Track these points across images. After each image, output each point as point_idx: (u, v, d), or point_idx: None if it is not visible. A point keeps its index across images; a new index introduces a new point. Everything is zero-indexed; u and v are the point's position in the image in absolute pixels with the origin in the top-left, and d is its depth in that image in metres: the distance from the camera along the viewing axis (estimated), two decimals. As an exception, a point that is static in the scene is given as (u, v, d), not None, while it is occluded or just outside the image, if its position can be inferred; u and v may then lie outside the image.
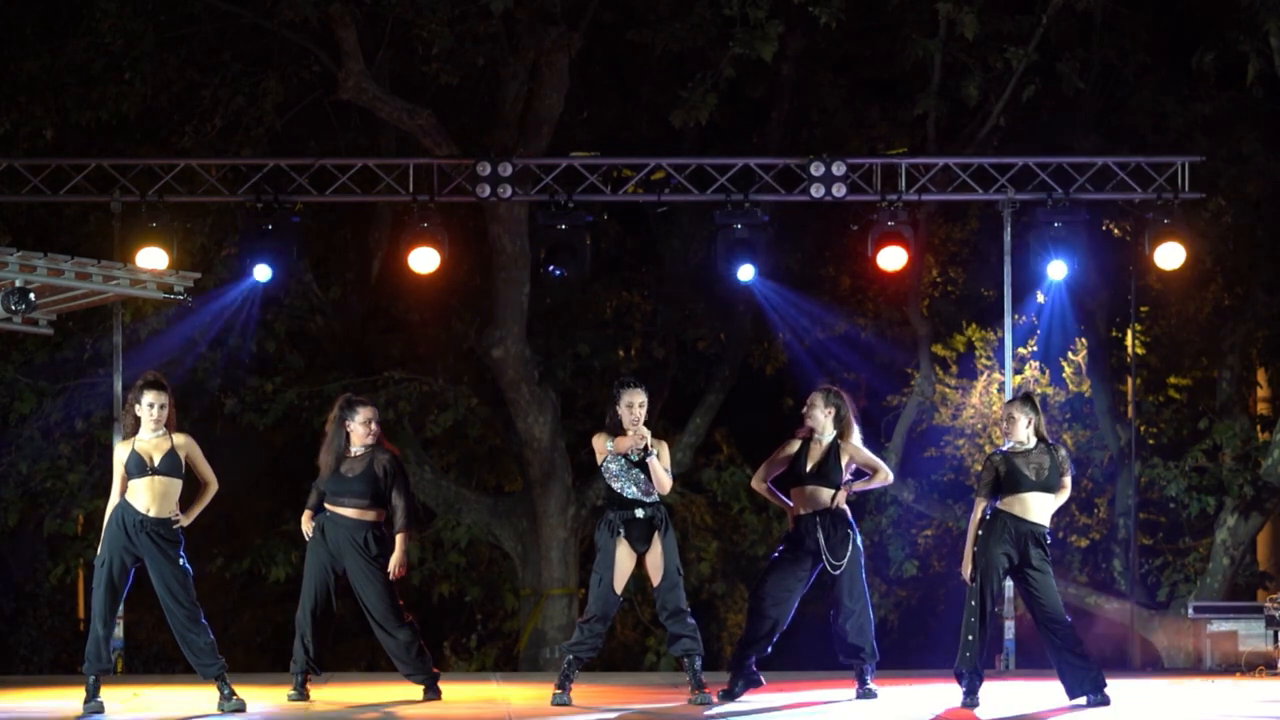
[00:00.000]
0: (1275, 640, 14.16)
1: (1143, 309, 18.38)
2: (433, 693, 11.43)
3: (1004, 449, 10.96)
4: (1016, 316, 16.70)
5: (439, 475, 18.58)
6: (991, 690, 11.37)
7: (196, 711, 10.90)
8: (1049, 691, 11.37)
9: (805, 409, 11.39)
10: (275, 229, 15.14)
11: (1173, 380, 19.68)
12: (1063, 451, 10.98)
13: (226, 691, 10.69)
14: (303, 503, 11.50)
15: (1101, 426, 18.78)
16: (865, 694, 11.44)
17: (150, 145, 17.06)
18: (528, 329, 17.80)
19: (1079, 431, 19.20)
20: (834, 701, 11.39)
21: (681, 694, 11.25)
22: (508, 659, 19.47)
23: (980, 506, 10.90)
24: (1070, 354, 19.79)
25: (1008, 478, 10.83)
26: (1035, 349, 19.42)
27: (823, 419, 11.32)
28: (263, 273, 15.25)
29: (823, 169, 15.30)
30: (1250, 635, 15.24)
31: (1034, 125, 17.44)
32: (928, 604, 19.68)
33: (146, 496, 10.56)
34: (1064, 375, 19.83)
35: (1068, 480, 10.97)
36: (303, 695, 11.27)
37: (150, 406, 10.62)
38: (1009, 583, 11.20)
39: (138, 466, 10.56)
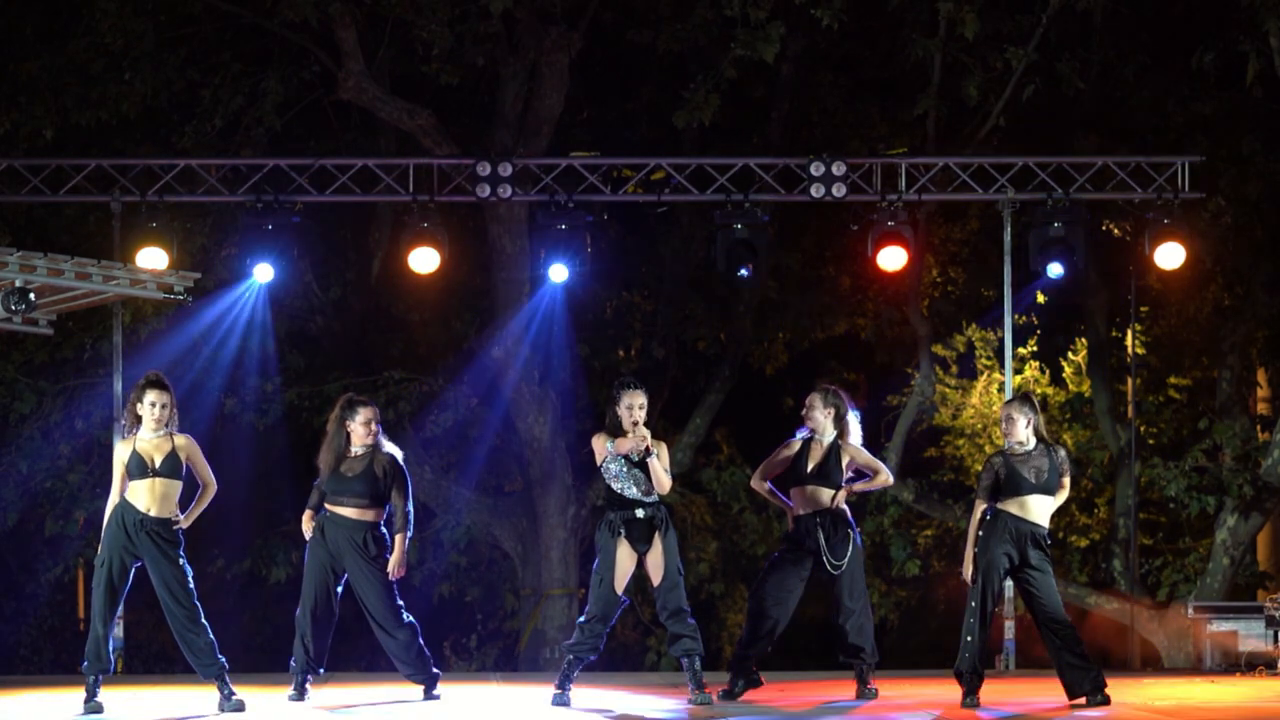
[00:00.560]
0: (1275, 640, 14.17)
1: (1143, 309, 18.39)
2: (433, 693, 11.43)
3: (1004, 450, 10.96)
4: (1016, 316, 16.71)
5: (439, 475, 18.58)
6: (991, 690, 11.37)
7: (196, 711, 10.90)
8: (1049, 691, 11.37)
9: (804, 410, 11.39)
10: (275, 229, 15.15)
11: (1173, 380, 19.69)
12: (1062, 452, 10.98)
13: (226, 691, 10.69)
14: (303, 503, 11.49)
15: (1101, 426, 18.79)
16: (865, 694, 11.44)
17: (150, 145, 17.07)
18: (527, 329, 17.82)
19: (1079, 431, 19.21)
20: (834, 701, 11.40)
21: (681, 694, 11.24)
22: (508, 659, 19.47)
23: (980, 508, 10.90)
24: (1070, 354, 19.82)
25: (1008, 480, 10.82)
26: (1035, 349, 19.45)
27: (822, 419, 11.32)
28: (264, 273, 15.26)
29: (823, 169, 15.30)
30: (1250, 635, 15.24)
31: (1034, 125, 17.44)
32: (928, 604, 19.70)
33: (147, 497, 10.56)
34: (1064, 375, 19.85)
35: (1066, 481, 10.97)
36: (303, 695, 11.27)
37: (152, 406, 10.61)
38: (1009, 583, 11.19)
39: (139, 467, 10.56)
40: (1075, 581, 18.47)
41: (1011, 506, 10.82)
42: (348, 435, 11.27)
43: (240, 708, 10.65)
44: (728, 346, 19.34)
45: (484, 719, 10.77)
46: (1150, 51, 17.47)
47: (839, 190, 15.32)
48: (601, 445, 10.84)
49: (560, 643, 16.26)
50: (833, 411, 11.33)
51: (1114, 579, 18.42)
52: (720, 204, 15.47)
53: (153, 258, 14.82)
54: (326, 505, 11.27)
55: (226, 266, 17.04)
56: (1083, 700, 10.77)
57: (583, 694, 11.36)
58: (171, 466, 10.59)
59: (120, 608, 10.89)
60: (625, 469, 10.84)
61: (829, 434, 11.32)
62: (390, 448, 11.35)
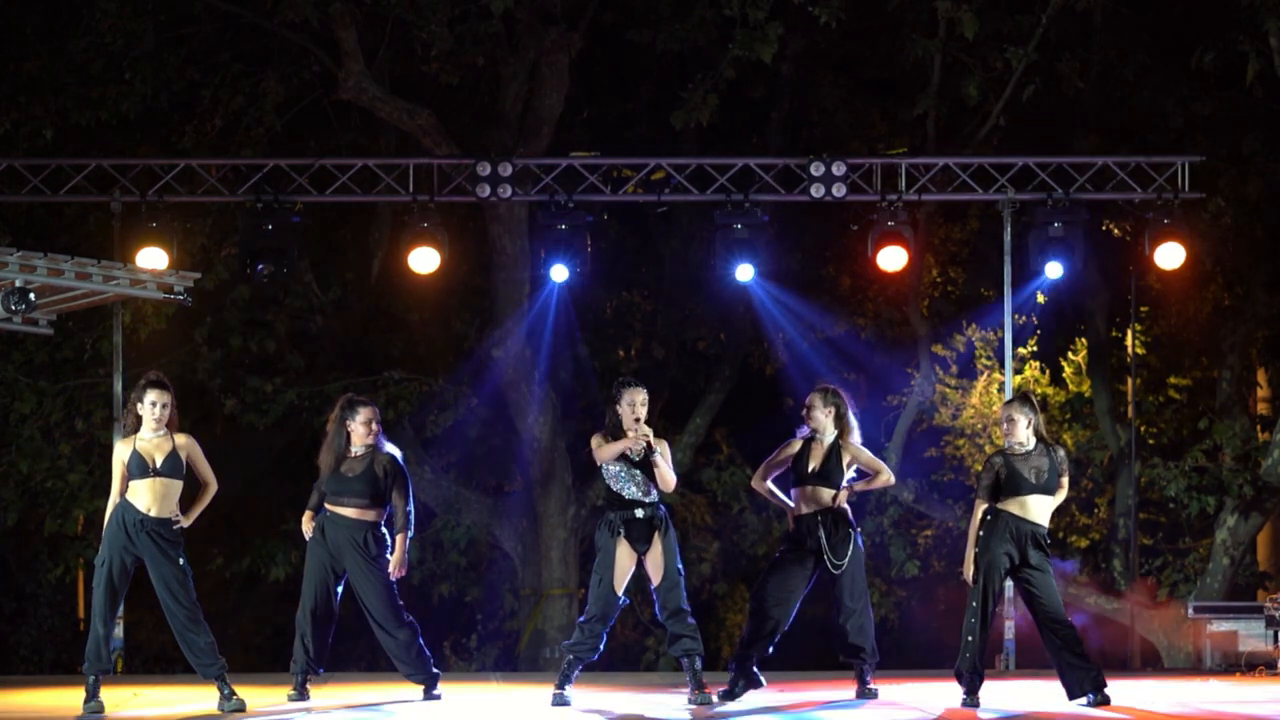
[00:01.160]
0: (1275, 640, 14.16)
1: (1143, 309, 18.39)
2: (433, 693, 11.42)
3: (1004, 450, 10.96)
4: (1016, 316, 16.70)
5: (439, 475, 18.58)
6: (991, 690, 11.36)
7: (196, 711, 10.90)
8: (1049, 691, 11.37)
9: (805, 410, 11.39)
10: (275, 229, 15.14)
11: (1173, 380, 19.69)
12: (1061, 452, 10.98)
13: (226, 691, 10.69)
14: (303, 503, 11.50)
15: (1101, 426, 18.79)
16: (865, 694, 11.44)
17: (150, 145, 17.08)
18: (528, 329, 17.82)
19: (1079, 431, 19.21)
20: (834, 701, 11.39)
21: (681, 694, 11.24)
22: (508, 659, 19.47)
23: (980, 508, 10.90)
24: (1070, 354, 19.82)
25: (1008, 480, 10.83)
26: (1035, 349, 19.44)
27: (823, 419, 11.31)
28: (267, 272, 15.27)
29: (823, 169, 15.30)
30: (1250, 635, 15.23)
31: (1034, 125, 17.44)
32: (928, 604, 19.69)
33: (148, 497, 10.56)
34: (1064, 375, 19.85)
35: (1066, 481, 10.97)
36: (303, 695, 11.27)
37: (153, 406, 10.61)
38: (1009, 583, 11.19)
39: (139, 467, 10.56)
40: (1075, 581, 18.47)
41: (1012, 506, 10.82)
42: (348, 435, 11.27)
43: (240, 708, 10.65)
44: (728, 346, 19.34)
45: (484, 719, 10.77)
46: (1150, 51, 17.48)
47: (839, 190, 15.31)
48: (600, 445, 10.85)
49: (560, 643, 16.27)
50: (833, 411, 11.32)
51: (1114, 579, 18.42)
52: (720, 204, 15.46)
53: (153, 258, 14.82)
54: (327, 505, 11.27)
55: (226, 266, 17.05)
56: (1083, 700, 10.77)
57: (583, 694, 11.36)
58: (172, 466, 10.59)
59: (120, 608, 10.88)
60: (625, 469, 10.85)
61: (830, 433, 11.32)
62: (390, 448, 11.36)
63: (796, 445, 11.36)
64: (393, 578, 11.23)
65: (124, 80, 16.31)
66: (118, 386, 14.81)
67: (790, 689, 12.09)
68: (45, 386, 17.73)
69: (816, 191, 15.32)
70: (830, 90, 18.40)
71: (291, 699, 11.23)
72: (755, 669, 11.33)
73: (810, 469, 11.27)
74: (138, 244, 14.96)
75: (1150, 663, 17.86)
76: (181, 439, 10.68)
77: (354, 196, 15.59)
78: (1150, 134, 17.55)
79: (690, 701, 10.89)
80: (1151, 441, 18.91)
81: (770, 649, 11.33)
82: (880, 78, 18.40)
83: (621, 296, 19.86)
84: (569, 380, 19.07)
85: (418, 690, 11.47)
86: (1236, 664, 15.00)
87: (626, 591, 10.98)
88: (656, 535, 10.87)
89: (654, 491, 10.91)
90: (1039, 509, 10.84)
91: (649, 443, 10.73)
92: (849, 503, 11.33)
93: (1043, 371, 19.67)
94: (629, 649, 20.01)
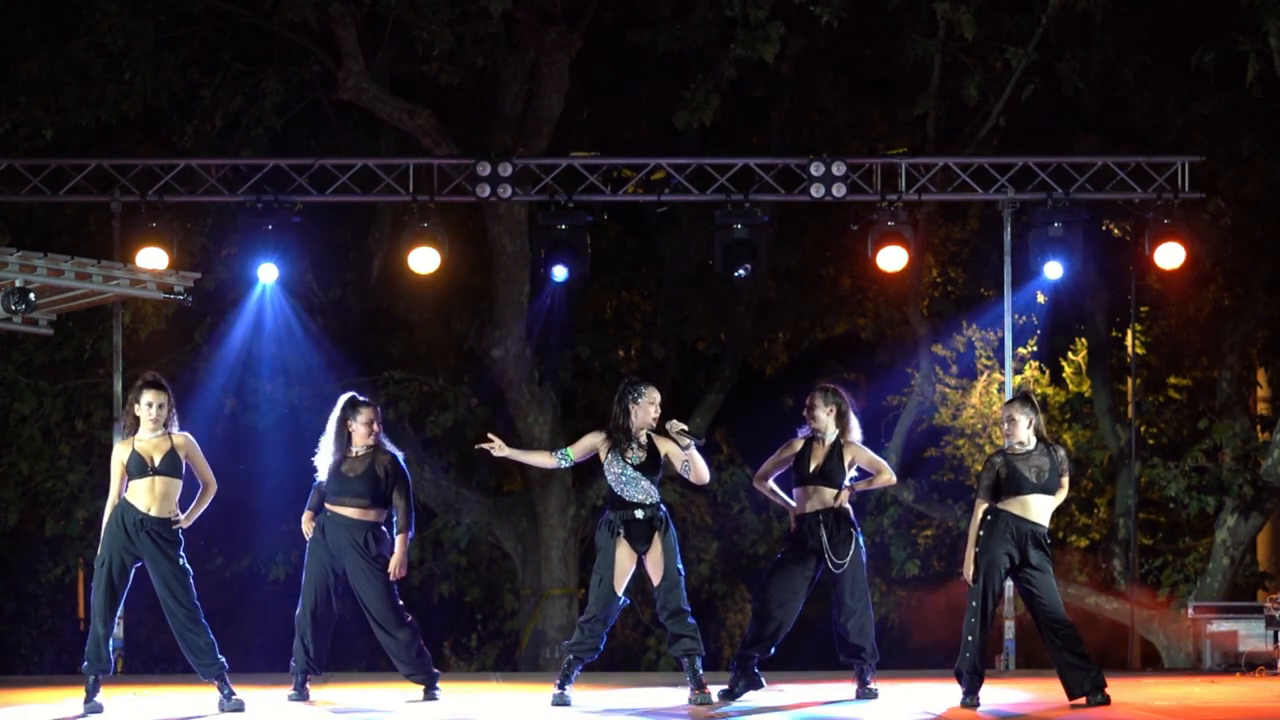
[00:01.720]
0: (1275, 640, 14.16)
1: (1143, 309, 18.38)
2: (433, 693, 11.43)
3: (1004, 450, 10.95)
4: (1016, 317, 16.70)
5: (439, 475, 18.58)
6: (991, 690, 11.37)
7: (196, 711, 10.90)
8: (1049, 691, 11.37)
9: (806, 409, 11.39)
10: (275, 229, 15.15)
11: (1173, 380, 19.69)
12: (1061, 452, 10.98)
13: (226, 691, 10.69)
14: (303, 503, 11.50)
15: (1101, 426, 18.78)
16: (866, 694, 11.44)
17: (150, 145, 17.08)
18: (528, 329, 17.81)
19: (1079, 431, 19.20)
20: (834, 701, 11.39)
21: (681, 694, 11.24)
22: (508, 659, 19.47)
23: (980, 508, 10.90)
24: (1070, 354, 19.81)
25: (1008, 480, 10.82)
26: (1035, 349, 19.44)
27: (824, 418, 11.31)
28: (269, 273, 15.25)
29: (823, 169, 15.30)
30: (1250, 635, 15.23)
31: (1034, 125, 17.44)
32: (928, 604, 19.68)
33: (147, 497, 10.56)
34: (1064, 375, 19.85)
35: (1066, 481, 10.97)
36: (303, 695, 11.27)
37: (150, 406, 10.62)
38: (1009, 583, 11.19)
39: (138, 467, 10.56)
40: (1075, 581, 18.47)
41: (1012, 506, 10.82)
42: (349, 435, 11.28)
43: (240, 708, 10.65)
44: (728, 346, 19.34)
45: (484, 719, 10.77)
46: (1150, 51, 17.47)
47: (839, 190, 15.31)
48: (597, 445, 10.90)
49: (560, 643, 16.27)
50: (834, 410, 11.33)
51: (1114, 579, 18.42)
52: (720, 204, 15.46)
53: (153, 258, 14.81)
54: (327, 505, 11.27)
55: (226, 266, 17.04)
56: (1083, 700, 10.76)
57: (583, 694, 11.36)
58: (171, 465, 10.60)
59: (120, 608, 10.88)
60: (627, 470, 10.86)
61: (831, 433, 11.32)
62: (391, 448, 11.36)
63: (798, 445, 11.37)
64: (393, 578, 11.23)
65: (124, 80, 16.30)
66: (118, 387, 14.80)
67: (790, 689, 12.08)
68: (45, 387, 17.72)
69: (816, 191, 15.32)
70: (830, 90, 18.40)
71: (291, 699, 11.24)
72: (756, 669, 11.34)
73: (812, 468, 11.28)
74: (138, 244, 14.95)
75: (1150, 663, 17.86)
76: (180, 438, 10.69)
77: (354, 196, 15.59)
78: (1150, 134, 17.55)
79: (690, 701, 10.89)
80: (1151, 441, 18.90)
81: (773, 649, 11.33)
82: (880, 78, 18.40)
83: (621, 296, 19.84)
84: (569, 380, 19.07)
85: (418, 690, 11.47)
86: (1236, 664, 15.00)
87: (627, 591, 10.98)
88: (656, 535, 10.88)
89: (655, 492, 10.92)
90: (1040, 509, 10.84)
91: (685, 432, 10.81)
92: (850, 502, 11.34)
93: (1043, 371, 19.66)
94: (629, 649, 20.01)
